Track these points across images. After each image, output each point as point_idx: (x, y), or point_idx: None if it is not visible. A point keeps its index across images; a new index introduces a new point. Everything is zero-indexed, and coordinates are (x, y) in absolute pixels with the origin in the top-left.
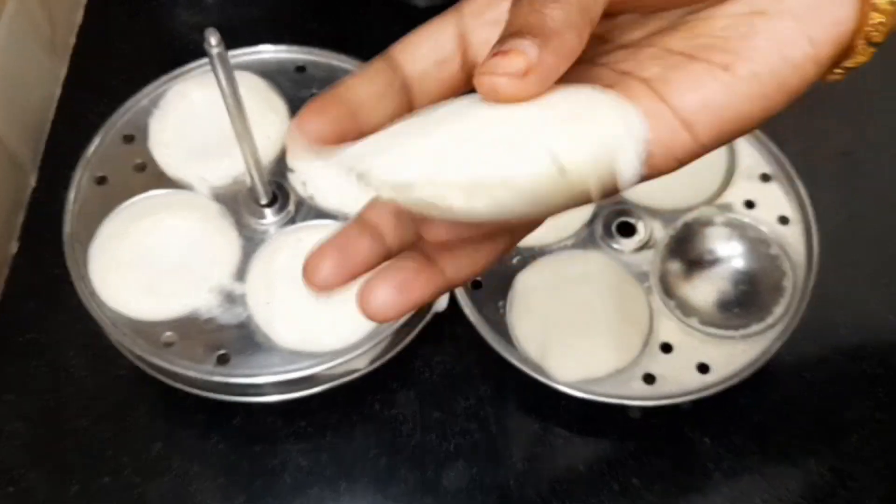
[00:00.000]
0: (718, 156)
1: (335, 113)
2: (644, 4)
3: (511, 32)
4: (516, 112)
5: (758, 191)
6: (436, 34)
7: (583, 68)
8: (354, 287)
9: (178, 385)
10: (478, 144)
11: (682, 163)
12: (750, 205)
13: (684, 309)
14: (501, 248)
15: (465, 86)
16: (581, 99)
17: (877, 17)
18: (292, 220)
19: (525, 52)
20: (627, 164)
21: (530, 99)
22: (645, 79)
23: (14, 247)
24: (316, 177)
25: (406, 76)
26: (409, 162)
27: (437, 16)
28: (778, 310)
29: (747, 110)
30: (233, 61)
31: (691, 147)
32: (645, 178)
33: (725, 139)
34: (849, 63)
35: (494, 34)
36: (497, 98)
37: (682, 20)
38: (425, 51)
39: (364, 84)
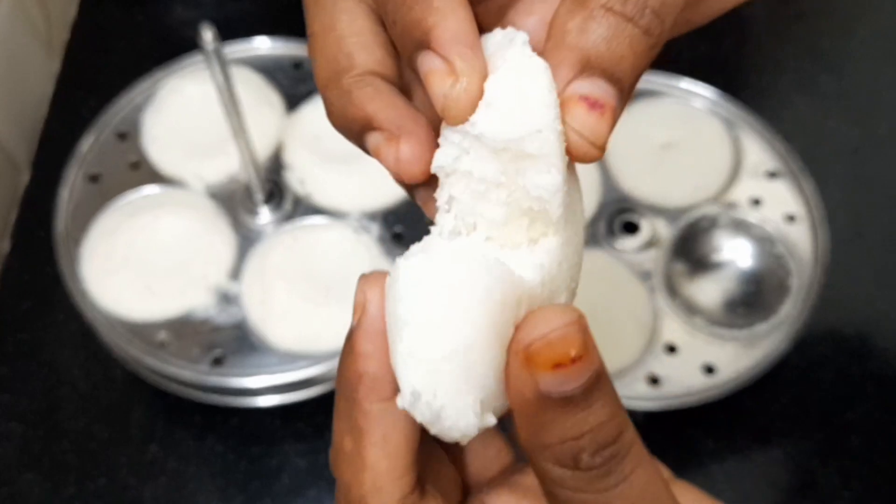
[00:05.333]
0: (723, 152)
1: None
2: None
3: (595, 62)
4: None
5: (764, 188)
6: None
7: None
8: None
9: (173, 386)
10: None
11: None
12: (756, 202)
13: (689, 309)
14: None
15: None
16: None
17: None
18: (289, 219)
19: (613, 104)
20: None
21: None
22: None
23: (6, 245)
24: (313, 174)
25: None
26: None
27: None
28: (784, 310)
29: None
30: (229, 56)
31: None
32: None
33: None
34: None
35: None
36: (576, 157)
37: None
38: None
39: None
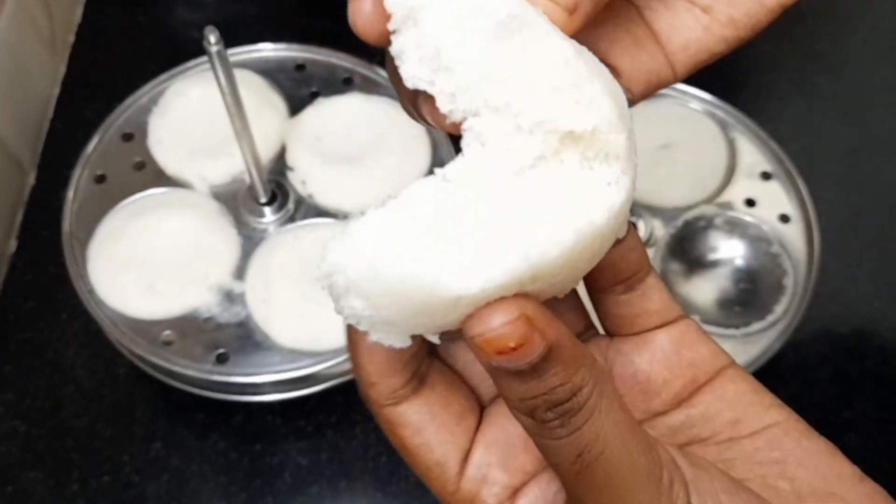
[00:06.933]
0: (719, 153)
1: None
2: None
3: None
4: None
5: (759, 189)
6: None
7: None
8: None
9: (177, 384)
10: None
11: (656, 90)
12: (751, 203)
13: (685, 308)
14: None
15: None
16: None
17: None
18: (291, 219)
19: None
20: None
21: (571, 32)
22: (635, 5)
23: (13, 245)
24: (315, 175)
25: None
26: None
27: None
28: (779, 308)
29: (719, 48)
30: (232, 59)
31: (669, 79)
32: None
33: (696, 70)
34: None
35: None
36: (550, 16)
37: None
38: None
39: None
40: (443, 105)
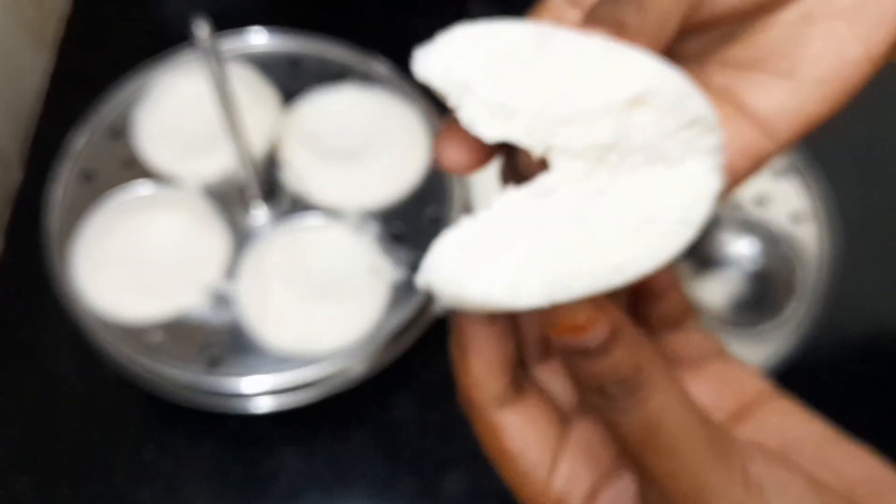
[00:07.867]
0: None
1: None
2: (709, 23)
3: (589, 20)
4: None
5: (770, 187)
6: None
7: None
8: (354, 285)
9: (168, 388)
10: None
11: (762, 164)
12: (762, 201)
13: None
14: None
15: None
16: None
17: None
18: (286, 217)
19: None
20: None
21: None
22: (717, 87)
23: (0, 244)
24: (311, 171)
25: None
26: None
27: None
28: (789, 309)
29: (816, 110)
30: (224, 52)
31: (769, 148)
32: (729, 185)
33: (799, 137)
34: None
35: None
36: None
37: (736, 32)
38: None
39: None
40: (524, 143)
